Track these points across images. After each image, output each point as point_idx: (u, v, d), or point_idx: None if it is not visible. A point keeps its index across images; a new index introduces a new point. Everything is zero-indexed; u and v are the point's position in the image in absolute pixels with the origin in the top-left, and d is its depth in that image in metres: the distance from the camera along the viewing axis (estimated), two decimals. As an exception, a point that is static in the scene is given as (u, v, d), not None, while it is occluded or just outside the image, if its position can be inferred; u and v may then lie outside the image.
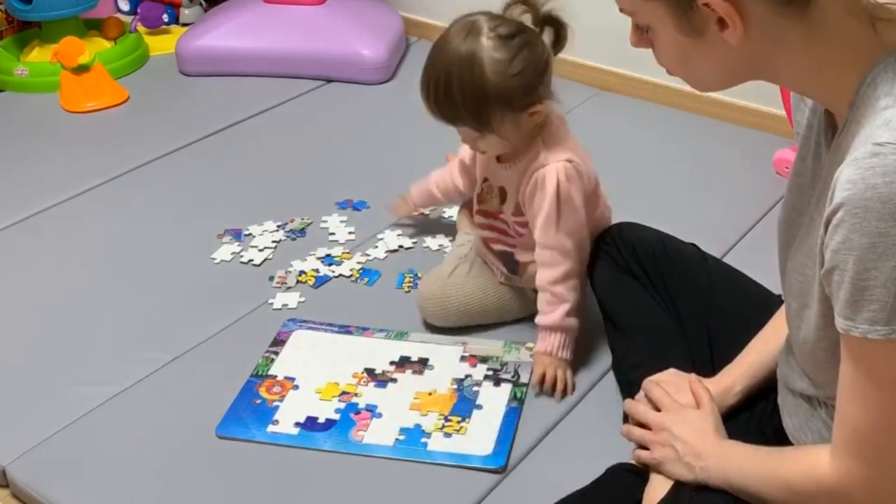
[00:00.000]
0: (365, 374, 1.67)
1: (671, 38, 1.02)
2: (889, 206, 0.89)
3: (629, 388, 1.49)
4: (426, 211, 2.09)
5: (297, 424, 1.57)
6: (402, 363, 1.69)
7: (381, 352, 1.72)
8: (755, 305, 1.47)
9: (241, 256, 2.00)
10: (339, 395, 1.62)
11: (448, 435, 1.54)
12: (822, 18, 0.97)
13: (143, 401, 1.64)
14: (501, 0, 1.61)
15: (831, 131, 1.05)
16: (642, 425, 1.37)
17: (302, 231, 2.08)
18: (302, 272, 1.94)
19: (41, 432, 1.57)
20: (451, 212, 2.09)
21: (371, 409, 1.59)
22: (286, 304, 1.85)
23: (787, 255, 1.15)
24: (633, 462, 1.37)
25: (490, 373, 1.66)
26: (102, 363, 1.72)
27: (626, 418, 1.43)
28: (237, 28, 2.80)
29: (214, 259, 2.00)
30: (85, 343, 1.77)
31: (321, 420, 1.57)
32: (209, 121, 2.55)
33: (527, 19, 1.59)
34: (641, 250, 1.60)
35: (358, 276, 1.93)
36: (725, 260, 1.79)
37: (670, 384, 1.39)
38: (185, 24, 3.07)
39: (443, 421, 1.56)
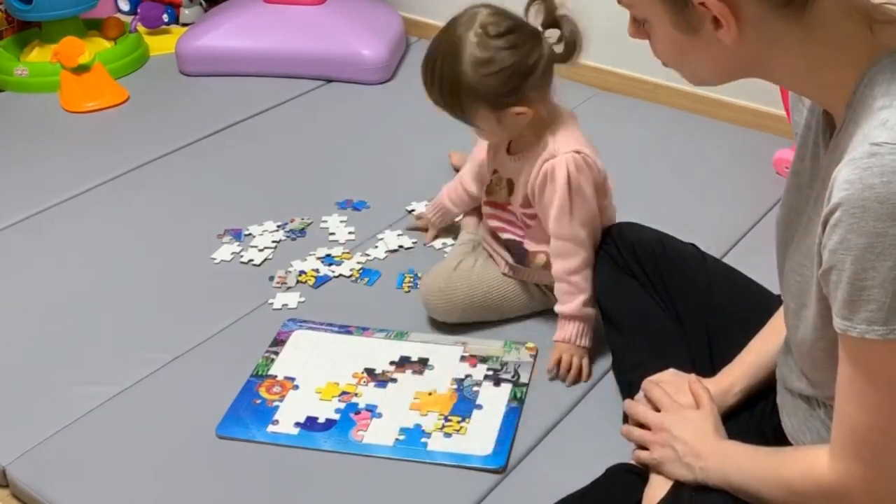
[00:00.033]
0: (365, 374, 1.67)
1: (667, 32, 1.02)
2: (886, 205, 0.89)
3: (629, 388, 1.49)
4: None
5: (297, 424, 1.57)
6: (402, 363, 1.69)
7: (381, 352, 1.72)
8: (755, 305, 1.47)
9: (241, 256, 2.00)
10: (339, 395, 1.62)
11: (448, 435, 1.54)
12: (819, 21, 0.97)
13: (143, 401, 1.64)
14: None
15: (829, 131, 1.05)
16: (642, 425, 1.37)
17: (302, 231, 2.08)
18: (302, 272, 1.94)
19: (41, 432, 1.57)
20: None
21: (371, 409, 1.59)
22: (286, 304, 1.85)
23: (786, 255, 1.15)
24: (632, 462, 1.37)
25: (490, 373, 1.66)
26: (102, 363, 1.72)
27: (626, 418, 1.43)
28: (237, 28, 2.80)
29: (214, 259, 2.00)
30: (85, 343, 1.77)
31: (321, 420, 1.57)
32: (209, 121, 2.55)
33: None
34: (641, 250, 1.60)
35: (358, 276, 1.93)
36: (725, 260, 1.79)
37: (670, 384, 1.39)
38: (185, 24, 3.07)
39: (443, 421, 1.56)
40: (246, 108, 2.62)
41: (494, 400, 1.61)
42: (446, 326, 1.77)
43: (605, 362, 1.67)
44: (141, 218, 2.16)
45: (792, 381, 1.20)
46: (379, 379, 1.66)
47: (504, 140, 1.71)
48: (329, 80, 2.77)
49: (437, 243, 2.02)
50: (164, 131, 2.51)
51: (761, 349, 1.37)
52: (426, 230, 2.04)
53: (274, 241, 2.04)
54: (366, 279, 1.93)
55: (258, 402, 1.61)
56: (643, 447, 1.35)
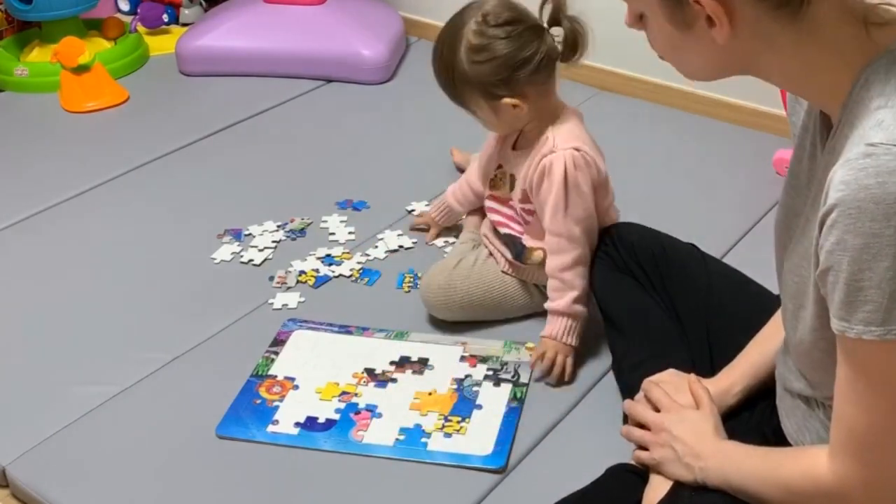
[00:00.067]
0: (365, 374, 1.67)
1: (662, 27, 1.03)
2: (882, 206, 0.89)
3: (629, 388, 1.49)
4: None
5: (297, 424, 1.57)
6: (402, 363, 1.69)
7: (381, 352, 1.72)
8: (754, 306, 1.47)
9: (241, 256, 2.00)
10: (339, 395, 1.62)
11: (448, 435, 1.54)
12: (815, 22, 0.97)
13: (143, 401, 1.64)
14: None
15: (826, 132, 1.05)
16: (642, 426, 1.37)
17: (302, 231, 2.08)
18: (302, 272, 1.94)
19: (41, 432, 1.57)
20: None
21: (371, 409, 1.59)
22: (286, 304, 1.85)
23: (784, 256, 1.15)
24: (632, 462, 1.37)
25: (490, 373, 1.66)
26: (102, 363, 1.72)
27: (626, 419, 1.43)
28: (237, 28, 2.80)
29: (214, 259, 2.00)
30: (85, 343, 1.77)
31: (321, 420, 1.57)
32: (209, 121, 2.55)
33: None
34: (641, 250, 1.60)
35: (358, 276, 1.93)
36: (725, 260, 1.79)
37: (669, 384, 1.39)
38: (185, 24, 3.07)
39: (443, 421, 1.56)
40: (246, 108, 2.62)
41: (494, 400, 1.61)
42: (446, 326, 1.77)
43: (604, 362, 1.67)
44: (141, 218, 2.16)
45: (791, 381, 1.20)
46: (379, 379, 1.66)
47: (507, 134, 1.73)
48: (329, 80, 2.77)
49: (439, 241, 2.02)
50: (164, 131, 2.51)
51: (761, 349, 1.37)
52: (427, 229, 2.04)
53: (274, 241, 2.04)
54: (366, 279, 1.93)
55: (258, 402, 1.61)
56: (643, 447, 1.34)
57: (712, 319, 1.51)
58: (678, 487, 1.26)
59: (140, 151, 2.40)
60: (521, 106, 1.61)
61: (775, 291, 1.28)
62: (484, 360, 1.69)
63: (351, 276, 1.93)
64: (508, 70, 1.59)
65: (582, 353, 1.68)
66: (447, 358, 1.70)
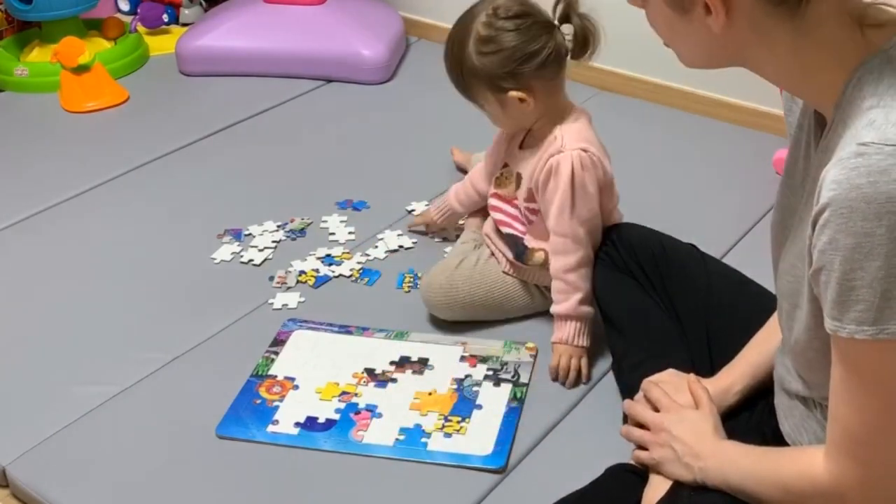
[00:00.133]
0: (365, 374, 1.67)
1: (660, 8, 1.03)
2: (874, 205, 0.89)
3: (629, 388, 1.49)
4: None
5: (297, 424, 1.57)
6: (402, 363, 1.69)
7: (381, 352, 1.72)
8: (754, 306, 1.47)
9: (241, 256, 2.00)
10: (339, 395, 1.62)
11: (448, 435, 1.54)
12: (812, 21, 0.97)
13: (143, 401, 1.64)
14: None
15: (820, 131, 1.06)
16: (641, 426, 1.37)
17: (302, 231, 2.08)
18: (302, 272, 1.94)
19: (41, 432, 1.57)
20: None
21: (371, 409, 1.59)
22: (286, 304, 1.85)
23: (780, 255, 1.16)
24: (632, 462, 1.37)
25: (490, 373, 1.66)
26: (102, 363, 1.72)
27: (626, 419, 1.43)
28: (237, 28, 2.80)
29: (214, 259, 2.00)
30: (85, 343, 1.77)
31: (321, 420, 1.57)
32: (209, 121, 2.55)
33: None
34: (640, 251, 1.60)
35: (358, 276, 1.93)
36: (725, 260, 1.79)
37: (669, 384, 1.39)
38: (185, 24, 3.07)
39: (443, 421, 1.57)
40: (246, 108, 2.62)
41: (494, 400, 1.61)
42: (446, 326, 1.77)
43: (604, 363, 1.67)
44: (141, 218, 2.16)
45: (789, 382, 1.20)
46: (379, 379, 1.66)
47: (513, 130, 1.73)
48: (329, 80, 2.77)
49: (438, 240, 2.02)
50: (164, 131, 2.51)
51: (760, 349, 1.37)
52: (425, 233, 2.03)
53: (274, 241, 2.04)
54: (366, 279, 1.93)
55: (258, 402, 1.61)
56: (643, 447, 1.35)
57: (712, 319, 1.51)
58: (677, 487, 1.26)
59: (140, 151, 2.41)
60: (528, 100, 1.61)
61: (774, 291, 1.28)
62: (484, 360, 1.69)
63: (351, 276, 1.93)
64: (515, 62, 1.59)
65: (582, 353, 1.68)
66: (447, 358, 1.70)
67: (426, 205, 2.13)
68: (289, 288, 1.90)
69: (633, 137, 2.39)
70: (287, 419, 1.58)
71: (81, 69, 2.69)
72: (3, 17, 2.92)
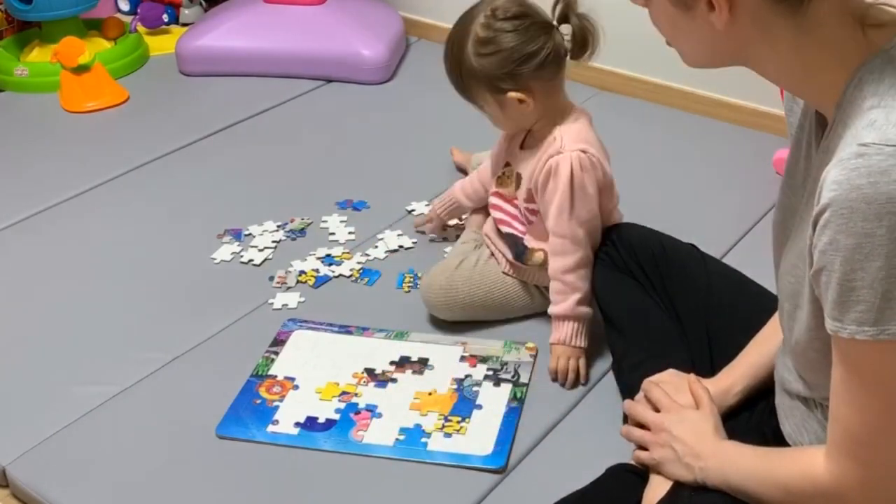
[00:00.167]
0: (365, 374, 1.67)
1: (663, 6, 1.03)
2: (874, 206, 0.90)
3: (629, 388, 1.49)
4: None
5: (297, 424, 1.57)
6: (402, 363, 1.69)
7: (381, 352, 1.72)
8: (754, 306, 1.47)
9: (241, 256, 2.00)
10: (339, 395, 1.62)
11: (448, 435, 1.54)
12: (814, 20, 0.97)
13: (143, 401, 1.64)
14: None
15: (821, 131, 1.06)
16: (642, 426, 1.37)
17: (302, 231, 2.08)
18: (302, 272, 1.94)
19: (41, 432, 1.57)
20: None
21: (371, 409, 1.59)
22: (286, 304, 1.85)
23: (781, 255, 1.15)
24: (632, 462, 1.37)
25: (490, 373, 1.66)
26: (102, 363, 1.72)
27: (626, 419, 1.43)
28: (237, 28, 2.80)
29: (214, 259, 2.00)
30: (85, 343, 1.77)
31: (321, 420, 1.57)
32: (209, 121, 2.55)
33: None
34: (641, 251, 1.60)
35: (358, 276, 1.93)
36: (725, 260, 1.79)
37: (669, 385, 1.39)
38: (185, 24, 3.07)
39: (443, 421, 1.56)
40: (246, 108, 2.62)
41: (494, 400, 1.61)
42: (446, 326, 1.77)
43: (604, 363, 1.67)
44: (141, 218, 2.16)
45: (790, 382, 1.20)
46: (379, 379, 1.66)
47: (513, 131, 1.73)
48: (329, 80, 2.77)
49: (440, 241, 2.02)
50: (164, 131, 2.51)
51: (761, 350, 1.37)
52: (429, 230, 2.03)
53: (274, 241, 2.04)
54: (366, 279, 1.93)
55: (258, 402, 1.61)
56: (643, 447, 1.34)
57: (712, 319, 1.51)
58: (678, 487, 1.26)
59: (140, 151, 2.41)
60: (527, 101, 1.61)
61: (775, 291, 1.28)
62: (484, 360, 1.69)
63: (351, 276, 1.93)
64: (513, 64, 1.59)
65: (582, 353, 1.68)
66: (447, 358, 1.70)
67: (426, 205, 2.13)
68: (289, 288, 1.90)
69: (633, 137, 2.39)
70: (287, 419, 1.58)
71: (81, 69, 2.69)
72: (3, 17, 2.92)
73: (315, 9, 2.82)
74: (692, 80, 2.49)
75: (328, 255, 1.99)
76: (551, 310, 1.66)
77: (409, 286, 1.89)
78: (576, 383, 1.64)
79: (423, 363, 1.69)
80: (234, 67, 2.78)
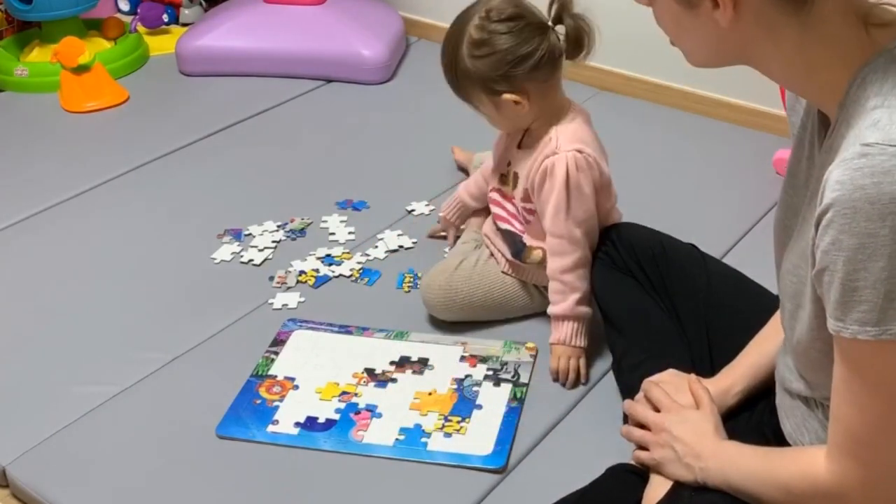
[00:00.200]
0: (365, 374, 1.67)
1: (667, 4, 1.03)
2: (877, 206, 0.89)
3: (629, 388, 1.49)
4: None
5: (297, 424, 1.57)
6: (402, 363, 1.69)
7: (381, 352, 1.72)
8: (754, 306, 1.47)
9: (241, 256, 2.00)
10: (339, 395, 1.62)
11: (448, 435, 1.54)
12: (818, 18, 0.97)
13: (143, 401, 1.64)
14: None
15: (824, 131, 1.06)
16: (642, 426, 1.37)
17: (302, 231, 2.08)
18: (302, 272, 1.94)
19: (41, 432, 1.57)
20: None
21: (371, 409, 1.59)
22: (286, 304, 1.85)
23: (783, 255, 1.15)
24: (632, 462, 1.37)
25: (490, 373, 1.66)
26: (102, 363, 1.72)
27: (626, 419, 1.43)
28: (237, 28, 2.80)
29: (214, 259, 2.00)
30: (85, 343, 1.77)
31: (321, 420, 1.57)
32: (209, 121, 2.55)
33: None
34: (640, 251, 1.60)
35: (358, 276, 1.93)
36: (725, 260, 1.79)
37: (669, 385, 1.39)
38: (185, 24, 3.07)
39: (443, 421, 1.56)
40: (246, 108, 2.62)
41: (494, 400, 1.61)
42: (446, 326, 1.77)
43: (604, 363, 1.67)
44: (141, 218, 2.16)
45: (790, 382, 1.20)
46: (379, 379, 1.66)
47: (510, 131, 1.73)
48: (329, 80, 2.77)
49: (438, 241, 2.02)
50: (164, 131, 2.51)
51: (761, 350, 1.37)
52: (445, 237, 2.01)
53: (274, 241, 2.04)
54: (366, 279, 1.93)
55: (258, 402, 1.61)
56: (643, 447, 1.34)
57: (712, 319, 1.50)
58: (678, 487, 1.26)
59: (140, 151, 2.41)
60: (522, 102, 1.61)
61: (775, 291, 1.28)
62: (484, 360, 1.69)
63: (351, 276, 1.93)
64: (507, 65, 1.59)
65: (582, 353, 1.68)
66: (447, 358, 1.70)
67: (426, 205, 2.13)
68: (289, 288, 1.90)
69: (632, 137, 2.39)
70: (287, 419, 1.58)
71: (81, 69, 2.69)
72: (3, 17, 2.92)
73: (315, 9, 2.82)
74: (692, 79, 2.49)
75: (328, 255, 1.99)
76: (551, 310, 1.66)
77: (409, 286, 1.89)
78: (576, 383, 1.64)
79: (423, 363, 1.69)
80: (234, 67, 2.78)
